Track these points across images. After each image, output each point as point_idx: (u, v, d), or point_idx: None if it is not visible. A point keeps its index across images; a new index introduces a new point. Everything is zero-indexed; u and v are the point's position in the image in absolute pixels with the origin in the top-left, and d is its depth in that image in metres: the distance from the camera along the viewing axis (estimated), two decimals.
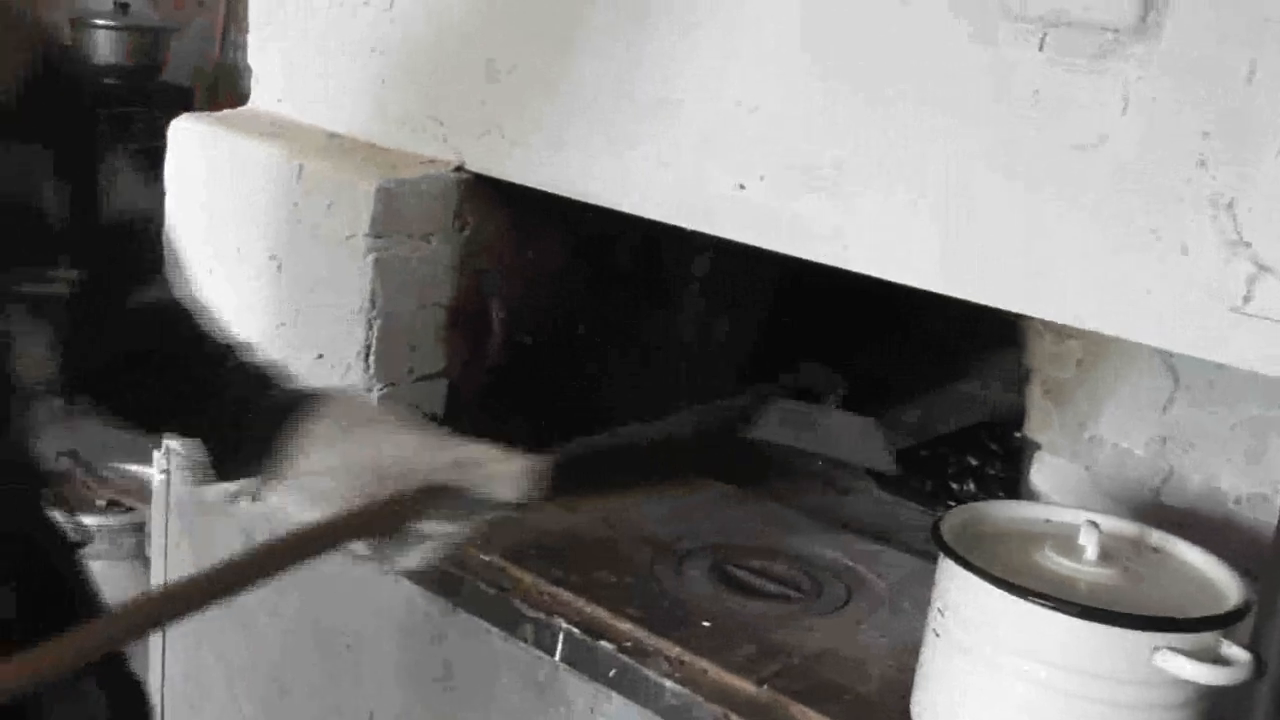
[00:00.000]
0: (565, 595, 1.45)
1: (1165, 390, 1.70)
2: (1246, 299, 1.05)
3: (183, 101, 3.97)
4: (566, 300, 1.78)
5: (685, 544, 1.60)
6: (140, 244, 1.21)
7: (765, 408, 1.89)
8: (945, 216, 1.19)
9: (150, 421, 1.32)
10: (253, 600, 1.36)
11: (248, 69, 1.84)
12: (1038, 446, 1.84)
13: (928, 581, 1.31)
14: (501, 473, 1.18)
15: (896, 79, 1.21)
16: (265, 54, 1.80)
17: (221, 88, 4.37)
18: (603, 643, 1.39)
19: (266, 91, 1.79)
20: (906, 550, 1.67)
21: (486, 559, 1.51)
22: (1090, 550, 1.22)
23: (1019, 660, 1.16)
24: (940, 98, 1.18)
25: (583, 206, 1.43)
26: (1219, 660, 1.12)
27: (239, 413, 1.22)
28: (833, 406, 1.93)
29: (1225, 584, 1.22)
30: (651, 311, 1.88)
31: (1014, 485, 1.87)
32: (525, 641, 1.45)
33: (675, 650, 1.37)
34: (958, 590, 1.21)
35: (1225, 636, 1.14)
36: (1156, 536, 1.31)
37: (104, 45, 4.13)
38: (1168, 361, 1.69)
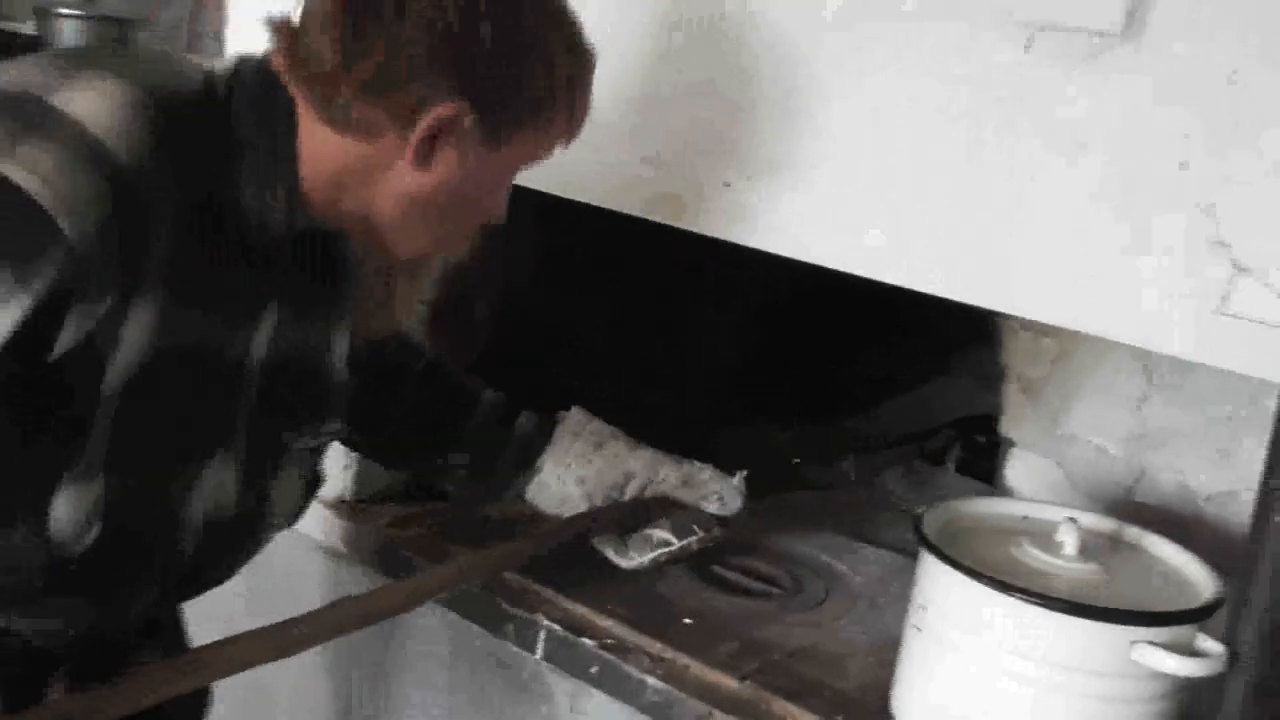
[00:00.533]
0: (547, 592, 1.46)
1: (1139, 389, 1.73)
2: (1225, 300, 1.07)
3: None
4: (547, 296, 1.79)
5: None
6: None
7: (892, 466, 1.99)
8: (928, 214, 1.21)
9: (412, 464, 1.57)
10: (230, 607, 1.36)
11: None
12: (1012, 444, 1.87)
13: (905, 578, 1.33)
14: (722, 491, 1.44)
15: (880, 73, 1.23)
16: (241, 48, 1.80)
17: None
18: (584, 640, 1.40)
19: None
20: (885, 547, 1.69)
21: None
22: (1070, 546, 1.24)
23: (1001, 654, 1.17)
24: (925, 95, 1.20)
25: (562, 203, 1.44)
26: (1195, 653, 1.14)
27: (493, 444, 1.47)
28: (950, 468, 1.97)
29: (1199, 579, 1.24)
30: (633, 307, 1.89)
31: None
32: (507, 639, 1.45)
33: (657, 647, 1.38)
34: (939, 586, 1.22)
35: (1200, 630, 1.16)
36: (1132, 532, 1.34)
37: (69, 35, 4.08)
38: (1142, 361, 1.72)
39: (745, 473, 1.46)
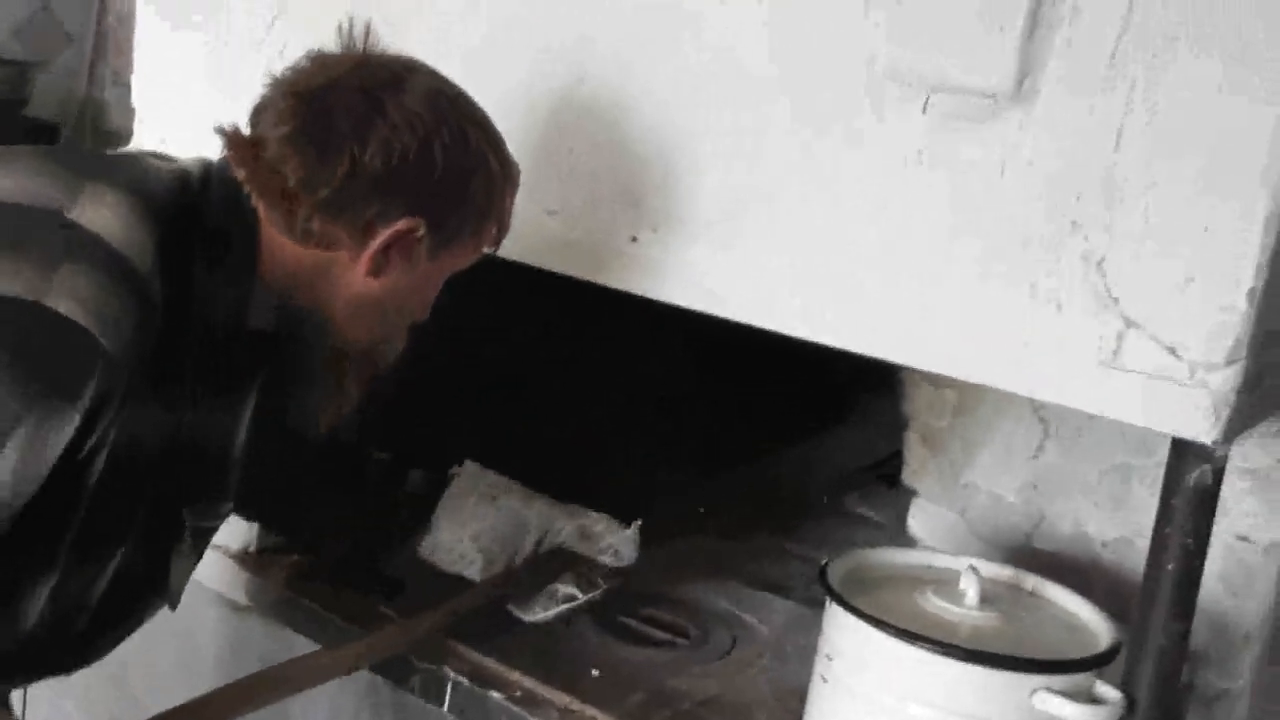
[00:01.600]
0: (454, 645, 1.45)
1: (1036, 438, 1.77)
2: (1115, 353, 1.11)
3: (49, 137, 3.87)
4: (449, 349, 1.78)
5: None
6: None
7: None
8: (835, 270, 1.23)
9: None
10: (125, 652, 1.33)
11: (117, 104, 1.82)
12: (914, 493, 1.90)
13: (810, 628, 1.34)
14: (617, 544, 1.50)
15: (780, 130, 1.26)
16: (149, 93, 1.78)
17: (88, 123, 4.27)
18: (492, 693, 1.39)
19: (150, 131, 1.77)
20: (792, 598, 1.70)
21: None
22: (971, 595, 1.27)
23: (905, 703, 1.19)
24: (827, 154, 1.22)
25: None
26: (1094, 699, 1.17)
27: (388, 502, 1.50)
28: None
29: (1096, 626, 1.28)
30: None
31: None
32: (413, 692, 1.44)
33: (565, 699, 1.38)
34: (845, 635, 1.24)
35: (1098, 676, 1.19)
36: (1032, 581, 1.37)
37: None
38: (1038, 412, 1.76)
39: (639, 523, 1.50)
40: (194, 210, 1.14)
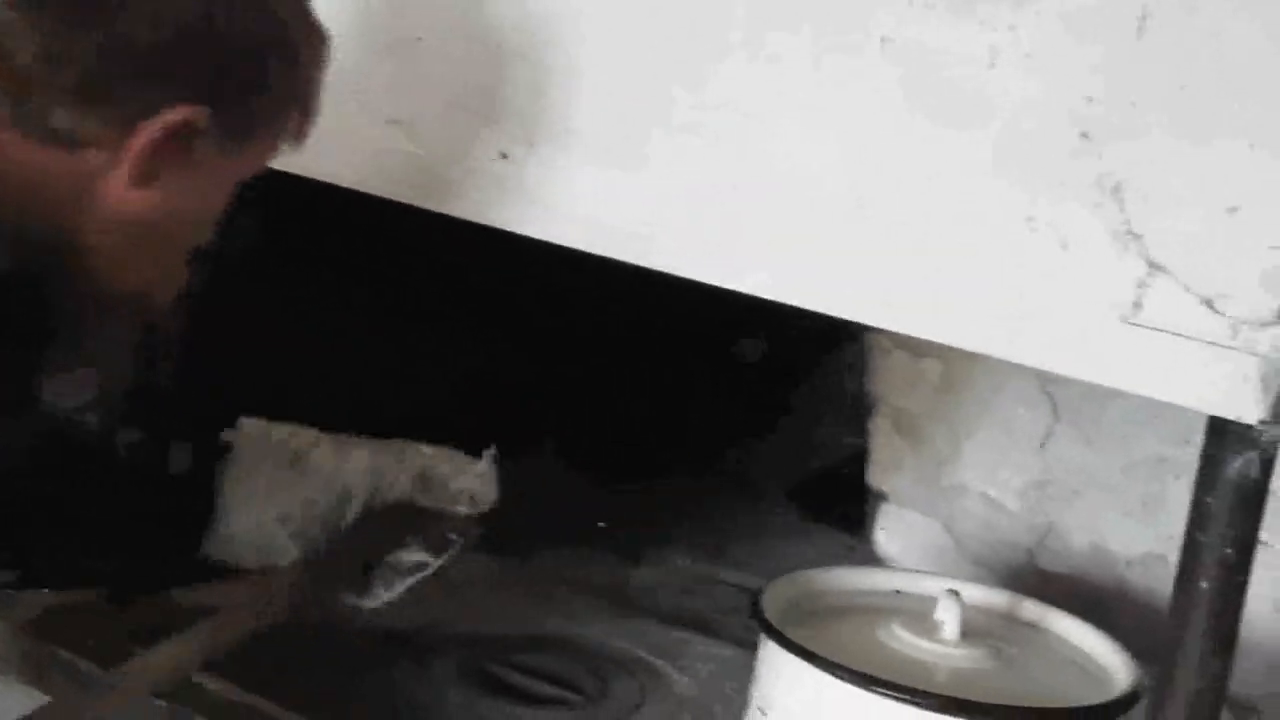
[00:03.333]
0: (268, 706, 1.45)
1: (1043, 423, 1.80)
2: (1136, 306, 1.13)
3: None
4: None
5: (427, 635, 1.63)
6: None
7: None
8: (772, 201, 1.25)
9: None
10: None
11: None
12: (884, 497, 1.93)
13: (745, 677, 1.36)
14: (470, 488, 1.49)
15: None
16: None
17: None
18: None
19: None
20: (720, 638, 1.72)
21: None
22: (949, 627, 1.30)
23: None
24: (787, 50, 1.24)
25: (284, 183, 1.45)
26: None
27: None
28: None
29: (1113, 665, 1.31)
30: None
31: None
32: None
33: None
34: (783, 681, 1.26)
35: None
36: (1031, 609, 1.40)
37: None
38: (1046, 387, 1.80)
39: (493, 451, 1.50)
40: None
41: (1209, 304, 1.11)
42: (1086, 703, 1.24)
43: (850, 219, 1.22)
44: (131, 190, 1.13)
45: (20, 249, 1.14)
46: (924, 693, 1.21)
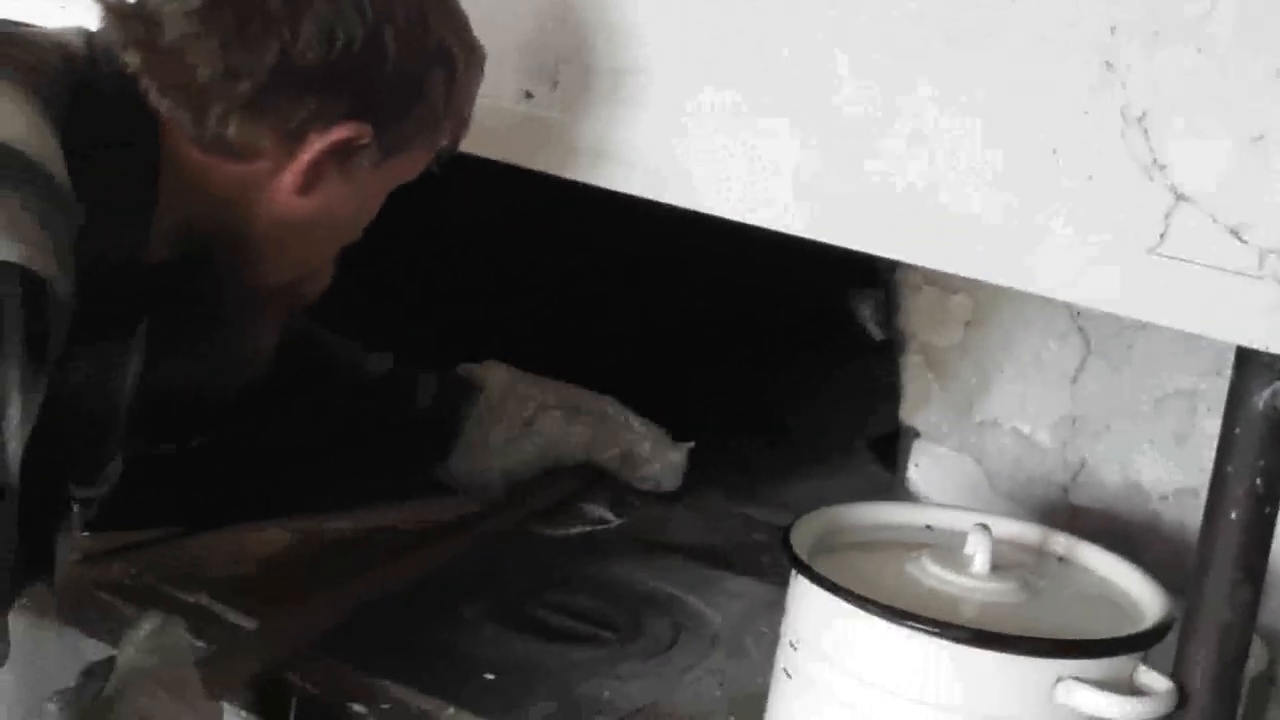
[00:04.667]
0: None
1: (1075, 357, 1.80)
2: (1163, 237, 1.14)
3: None
4: None
5: (460, 575, 1.64)
6: None
7: None
8: (802, 138, 1.25)
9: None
10: None
11: None
12: (916, 434, 1.94)
13: (777, 614, 1.37)
14: (659, 476, 1.77)
15: None
16: None
17: None
18: (355, 706, 1.41)
19: None
20: (752, 575, 1.73)
21: (192, 600, 1.52)
22: (979, 561, 1.30)
23: (892, 699, 1.22)
24: None
25: None
26: (1135, 690, 1.20)
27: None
28: None
29: (1144, 598, 1.31)
30: None
31: None
32: (244, 711, 1.46)
33: (449, 712, 1.40)
34: (813, 616, 1.27)
35: (1144, 661, 1.23)
36: (1062, 543, 1.40)
37: None
38: (1077, 320, 1.80)
39: (692, 445, 1.76)
40: (85, 98, 1.16)
41: (1235, 233, 1.11)
42: (1115, 634, 1.24)
43: (876, 153, 1.22)
44: (295, 197, 1.21)
45: (188, 246, 1.22)
46: (953, 625, 1.21)
